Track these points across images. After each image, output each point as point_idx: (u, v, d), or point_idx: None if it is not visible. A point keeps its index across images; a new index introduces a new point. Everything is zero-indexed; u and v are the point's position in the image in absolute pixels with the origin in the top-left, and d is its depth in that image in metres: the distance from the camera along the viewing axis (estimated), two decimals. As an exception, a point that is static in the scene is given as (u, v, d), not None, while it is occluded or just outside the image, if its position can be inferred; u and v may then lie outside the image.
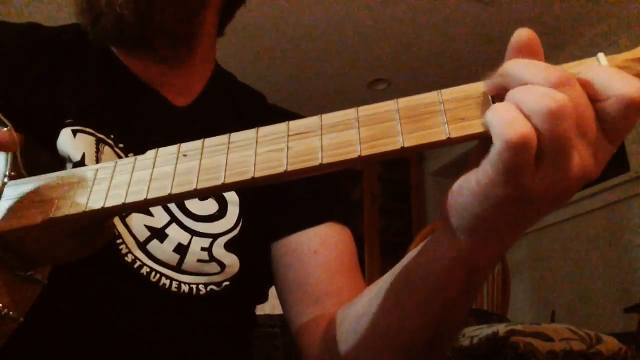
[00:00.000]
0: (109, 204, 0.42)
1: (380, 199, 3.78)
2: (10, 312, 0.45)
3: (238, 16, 0.80)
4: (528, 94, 0.33)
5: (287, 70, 3.40)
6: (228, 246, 0.64)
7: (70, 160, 0.61)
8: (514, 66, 0.35)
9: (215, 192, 0.41)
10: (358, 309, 0.54)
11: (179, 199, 0.42)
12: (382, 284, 0.51)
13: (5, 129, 0.48)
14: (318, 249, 0.66)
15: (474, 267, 0.42)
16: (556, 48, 2.85)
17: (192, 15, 0.69)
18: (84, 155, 0.62)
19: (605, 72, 0.34)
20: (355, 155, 0.37)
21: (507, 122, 0.32)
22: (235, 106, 0.76)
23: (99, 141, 0.64)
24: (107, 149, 0.64)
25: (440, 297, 0.44)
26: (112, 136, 0.65)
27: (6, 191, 0.47)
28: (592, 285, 2.83)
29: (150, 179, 0.42)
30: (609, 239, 2.83)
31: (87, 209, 0.43)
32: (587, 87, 0.34)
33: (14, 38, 0.71)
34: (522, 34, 0.36)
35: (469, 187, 0.36)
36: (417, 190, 4.00)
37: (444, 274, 0.43)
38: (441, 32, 3.03)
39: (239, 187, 0.40)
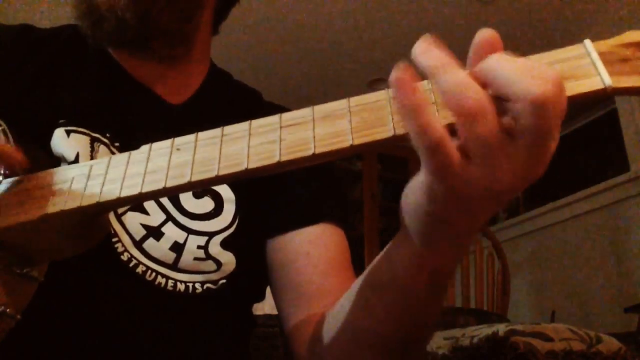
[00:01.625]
0: (104, 198, 0.43)
1: (380, 198, 3.77)
2: (7, 310, 0.45)
3: (238, 16, 0.81)
4: (449, 90, 0.33)
5: (286, 70, 3.40)
6: (224, 244, 0.64)
7: (65, 160, 0.62)
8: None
9: (210, 184, 0.41)
10: (337, 311, 0.55)
11: (174, 192, 0.42)
12: (355, 288, 0.52)
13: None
14: (311, 250, 0.66)
15: (435, 270, 0.42)
16: (555, 47, 2.84)
17: (190, 15, 0.69)
18: (78, 154, 0.61)
19: (509, 71, 0.33)
20: (347, 144, 0.37)
21: (418, 129, 0.33)
22: (231, 104, 0.76)
23: (93, 140, 0.64)
24: (102, 148, 0.64)
25: (407, 299, 0.45)
26: (107, 135, 0.65)
27: (1, 189, 0.47)
28: (592, 285, 2.82)
29: (145, 172, 0.42)
30: (609, 239, 2.83)
31: (82, 204, 0.43)
32: (491, 85, 0.34)
33: (7, 39, 0.71)
34: (485, 33, 0.35)
35: (417, 185, 0.37)
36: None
37: (407, 277, 0.44)
38: (441, 32, 3.02)
39: (233, 179, 0.40)
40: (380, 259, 0.48)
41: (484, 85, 0.34)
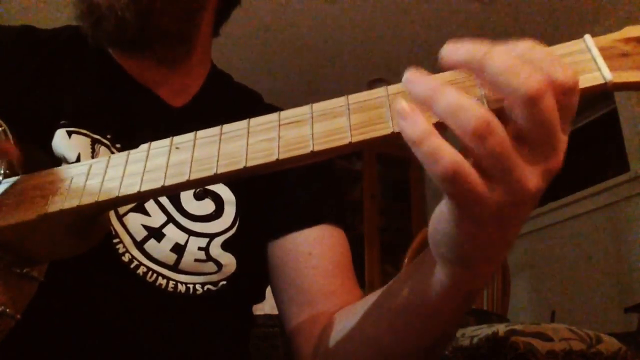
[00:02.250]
0: (103, 197, 0.43)
1: (380, 198, 3.77)
2: (7, 310, 0.45)
3: (237, 17, 0.80)
4: (448, 112, 0.32)
5: (286, 70, 3.40)
6: (225, 246, 0.64)
7: (66, 161, 0.62)
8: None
9: (209, 183, 0.41)
10: (353, 323, 0.55)
11: (173, 190, 0.42)
12: (376, 305, 0.51)
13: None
14: (312, 251, 0.66)
15: (470, 290, 0.42)
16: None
17: (191, 17, 0.69)
18: (79, 155, 0.62)
19: (500, 68, 0.32)
20: (346, 141, 0.37)
21: (430, 159, 0.32)
22: (231, 106, 0.76)
23: (94, 142, 0.64)
24: (103, 149, 0.64)
25: (436, 321, 0.45)
26: (108, 136, 0.65)
27: (1, 189, 0.47)
28: (592, 285, 2.82)
29: (144, 171, 0.42)
30: (609, 239, 2.82)
31: (81, 204, 0.43)
32: (484, 81, 0.33)
33: (8, 40, 0.71)
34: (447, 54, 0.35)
35: (442, 215, 0.36)
36: (417, 190, 4.00)
37: (440, 302, 0.43)
38: (441, 32, 3.03)
39: (232, 177, 0.40)
40: (406, 283, 0.46)
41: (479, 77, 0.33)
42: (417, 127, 0.32)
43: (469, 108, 0.32)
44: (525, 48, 0.34)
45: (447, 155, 0.32)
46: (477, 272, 0.39)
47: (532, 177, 0.33)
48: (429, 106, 0.33)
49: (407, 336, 0.47)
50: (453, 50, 0.34)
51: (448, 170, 0.32)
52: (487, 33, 3.02)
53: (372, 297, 0.53)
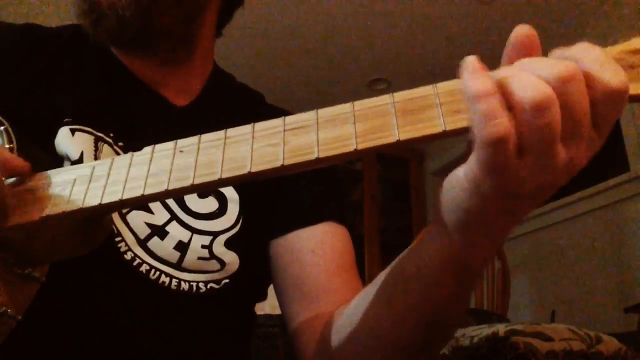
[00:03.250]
0: (106, 200, 0.43)
1: (380, 199, 3.78)
2: (9, 310, 0.45)
3: (238, 17, 0.80)
4: (514, 84, 0.33)
5: (286, 70, 3.40)
6: (228, 244, 0.64)
7: (69, 159, 0.62)
8: (521, 62, 0.35)
9: (213, 187, 0.41)
10: (352, 309, 0.55)
11: (177, 194, 0.42)
12: (375, 286, 0.51)
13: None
14: (315, 249, 0.66)
15: (466, 266, 0.42)
16: (555, 47, 2.84)
17: (192, 17, 0.69)
18: (82, 153, 0.62)
19: (591, 60, 0.34)
20: (351, 148, 0.37)
21: (484, 118, 0.32)
22: (234, 106, 0.76)
23: (97, 140, 0.64)
24: (106, 147, 0.64)
25: (432, 297, 0.44)
26: (111, 135, 0.65)
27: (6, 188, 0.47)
28: (592, 285, 2.82)
29: (147, 175, 0.42)
30: (609, 239, 2.82)
31: (84, 206, 0.43)
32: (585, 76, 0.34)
33: (11, 38, 0.71)
34: (522, 30, 0.36)
35: (458, 181, 0.36)
36: (417, 190, 4.00)
37: (435, 270, 0.43)
38: (441, 31, 3.03)
39: (236, 182, 0.40)
40: (407, 251, 0.47)
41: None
42: (482, 82, 0.33)
43: (536, 82, 0.33)
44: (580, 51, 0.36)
45: (503, 118, 0.32)
46: (477, 246, 0.40)
47: (558, 166, 0.34)
48: (508, 82, 0.34)
49: (407, 315, 0.46)
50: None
51: (498, 133, 0.32)
52: (487, 33, 3.02)
53: (369, 287, 0.53)
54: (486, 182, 0.34)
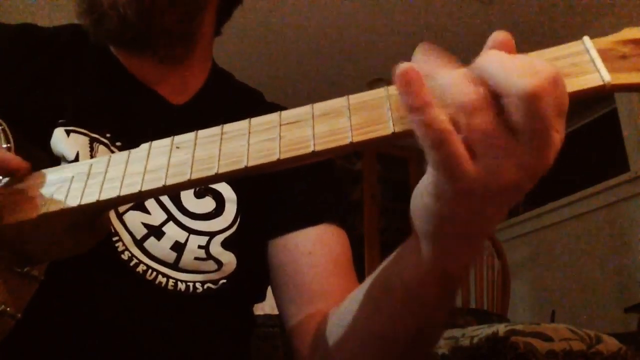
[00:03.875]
0: (104, 197, 0.43)
1: (380, 198, 3.78)
2: (8, 309, 0.45)
3: (238, 16, 0.81)
4: (447, 88, 0.33)
5: (286, 70, 3.40)
6: (225, 244, 0.64)
7: (65, 160, 0.62)
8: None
9: (210, 182, 0.41)
10: (342, 312, 0.55)
11: (174, 190, 0.42)
12: (363, 290, 0.51)
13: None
14: (313, 250, 0.66)
15: (446, 273, 0.42)
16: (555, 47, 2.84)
17: (191, 16, 0.69)
18: (77, 154, 0.62)
19: (500, 68, 0.33)
20: (347, 141, 0.37)
21: (421, 126, 0.33)
22: (233, 104, 0.76)
23: (92, 141, 0.64)
24: (102, 148, 0.64)
25: (416, 303, 0.45)
26: (108, 135, 0.65)
27: (1, 188, 0.47)
28: (592, 285, 2.82)
29: (145, 171, 0.42)
30: (609, 239, 2.83)
31: (81, 203, 0.43)
32: (486, 84, 0.33)
33: (8, 38, 0.71)
34: (499, 36, 0.36)
35: (425, 187, 0.37)
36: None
37: (418, 282, 0.43)
38: (441, 31, 3.03)
39: (233, 177, 0.40)
40: (389, 262, 0.47)
41: (481, 83, 0.34)
42: (418, 92, 0.33)
43: (466, 84, 0.33)
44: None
45: (442, 120, 0.33)
46: (454, 251, 0.40)
47: (513, 169, 0.33)
48: (432, 78, 0.34)
49: (394, 320, 0.47)
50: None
51: (438, 134, 0.32)
52: (487, 33, 3.02)
53: (360, 288, 0.53)
54: (443, 182, 0.35)
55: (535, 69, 0.32)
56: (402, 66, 0.34)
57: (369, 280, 0.51)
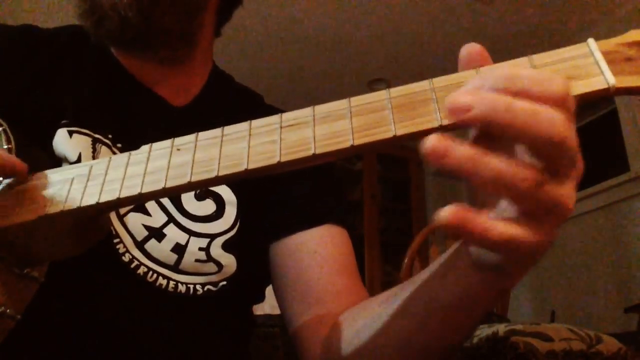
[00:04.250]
0: (104, 199, 0.43)
1: (380, 199, 3.78)
2: (8, 310, 0.45)
3: (238, 17, 0.80)
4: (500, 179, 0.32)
5: (286, 70, 3.40)
6: (226, 246, 0.64)
7: (67, 161, 0.62)
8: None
9: (210, 185, 0.41)
10: (370, 322, 0.53)
11: (174, 192, 0.42)
12: (400, 302, 0.50)
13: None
14: (317, 250, 0.66)
15: (503, 289, 0.42)
16: (556, 47, 2.84)
17: (192, 17, 0.69)
18: (80, 155, 0.62)
19: (527, 79, 0.32)
20: (348, 144, 0.37)
21: (482, 234, 0.32)
22: (232, 107, 0.76)
23: (95, 141, 0.64)
24: (104, 148, 0.64)
25: (469, 317, 0.45)
26: (109, 136, 0.65)
27: (1, 189, 0.47)
28: (592, 285, 2.82)
29: (145, 173, 0.42)
30: (609, 239, 2.83)
31: (82, 205, 0.43)
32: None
33: (9, 39, 0.71)
34: (470, 47, 0.36)
35: (479, 276, 0.38)
36: (417, 190, 4.00)
37: (475, 298, 0.43)
38: (441, 31, 3.03)
39: (233, 179, 0.40)
40: (436, 276, 0.46)
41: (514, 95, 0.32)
42: (470, 224, 0.32)
43: (519, 171, 0.31)
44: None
45: (498, 229, 0.32)
46: (513, 277, 0.40)
47: (568, 196, 0.34)
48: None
49: (441, 334, 0.47)
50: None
51: (500, 243, 0.32)
52: (487, 33, 3.02)
53: (390, 301, 0.52)
54: (509, 266, 0.36)
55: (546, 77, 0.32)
56: (449, 208, 0.32)
57: (405, 295, 0.49)
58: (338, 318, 0.59)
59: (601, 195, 2.87)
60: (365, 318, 0.55)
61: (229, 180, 0.40)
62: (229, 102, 0.76)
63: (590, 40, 0.36)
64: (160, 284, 0.61)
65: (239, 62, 2.97)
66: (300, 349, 0.65)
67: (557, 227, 0.35)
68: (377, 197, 3.76)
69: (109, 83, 0.69)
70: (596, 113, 3.20)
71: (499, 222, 0.32)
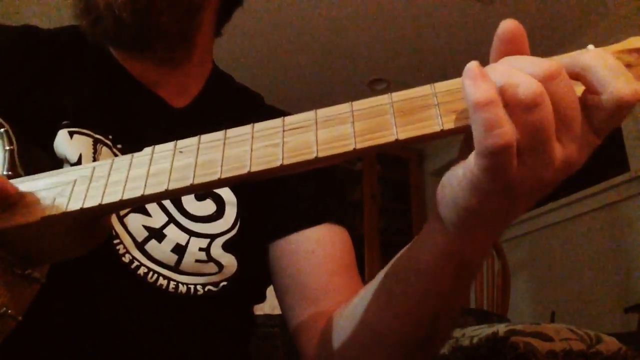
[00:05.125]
0: (106, 200, 0.43)
1: (380, 199, 3.77)
2: (9, 311, 0.45)
3: (237, 17, 0.80)
4: (507, 82, 0.33)
5: (287, 70, 3.40)
6: (226, 247, 0.64)
7: (68, 161, 0.62)
8: (506, 59, 0.36)
9: (212, 188, 0.41)
10: (352, 308, 0.55)
11: (176, 194, 0.42)
12: (375, 283, 0.51)
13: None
14: (316, 249, 0.66)
15: (464, 260, 0.42)
16: (556, 47, 2.85)
17: (190, 17, 0.69)
18: (80, 156, 0.62)
19: (605, 67, 0.34)
20: (350, 148, 0.37)
21: (487, 127, 0.33)
22: (233, 107, 0.76)
23: (96, 142, 0.64)
24: (105, 149, 0.64)
25: (432, 291, 0.45)
26: (110, 137, 0.65)
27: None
28: (592, 285, 2.82)
29: (147, 175, 0.42)
30: (609, 239, 2.82)
31: (84, 207, 0.43)
32: (583, 78, 0.35)
33: (10, 40, 0.71)
34: (508, 25, 0.36)
35: (457, 179, 0.37)
36: (417, 190, 4.00)
37: (434, 266, 0.43)
38: (441, 32, 3.03)
39: (236, 182, 0.40)
40: (407, 248, 0.47)
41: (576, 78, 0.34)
42: (484, 90, 0.33)
43: (526, 79, 0.33)
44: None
45: (507, 127, 0.32)
46: (475, 241, 0.40)
47: (556, 165, 0.34)
48: (491, 75, 0.34)
49: (408, 310, 0.47)
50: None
51: (502, 142, 0.32)
52: (487, 33, 3.02)
53: (369, 285, 0.53)
54: (485, 183, 0.35)
55: (625, 74, 0.33)
56: (470, 63, 0.34)
57: (381, 274, 0.50)
58: (332, 315, 0.60)
59: (601, 195, 2.87)
60: (345, 314, 0.56)
61: (232, 182, 0.40)
62: (229, 102, 0.76)
63: (591, 47, 0.37)
64: (161, 285, 0.61)
65: (238, 61, 2.97)
66: (299, 348, 0.65)
67: (533, 183, 0.35)
68: (377, 197, 3.76)
69: (109, 84, 0.69)
70: (596, 113, 3.20)
71: (509, 121, 0.33)
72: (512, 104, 0.33)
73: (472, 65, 0.34)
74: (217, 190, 0.66)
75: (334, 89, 3.51)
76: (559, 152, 0.34)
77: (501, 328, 1.22)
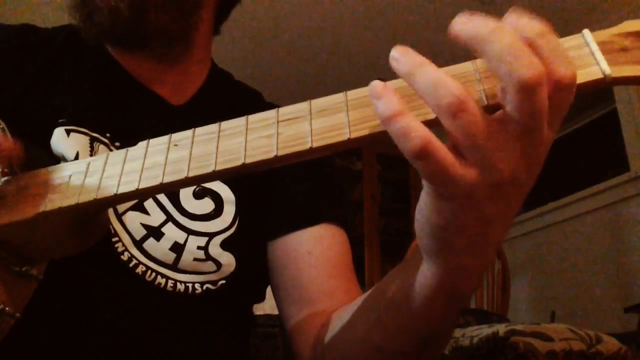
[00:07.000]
0: (101, 195, 0.42)
1: (380, 199, 3.77)
2: (7, 308, 0.45)
3: (238, 16, 0.80)
4: (427, 90, 0.33)
5: (286, 70, 3.40)
6: (224, 245, 0.64)
7: (65, 160, 0.62)
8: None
9: (207, 180, 0.41)
10: (345, 319, 0.54)
11: (171, 188, 0.42)
12: (367, 300, 0.51)
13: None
14: (312, 250, 0.66)
15: (456, 291, 0.40)
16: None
17: (188, 15, 0.69)
18: (77, 154, 0.61)
19: (496, 51, 0.32)
20: (344, 137, 0.37)
21: (400, 136, 0.32)
22: (232, 105, 0.75)
23: (93, 140, 0.63)
24: (102, 147, 0.64)
25: (423, 321, 0.44)
26: (107, 135, 0.65)
27: None
28: (592, 285, 2.82)
29: (142, 169, 0.42)
30: (609, 239, 2.82)
31: (79, 201, 0.43)
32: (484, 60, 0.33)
33: (7, 39, 0.71)
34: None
35: (425, 203, 0.36)
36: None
37: (425, 300, 0.42)
38: (441, 32, 3.03)
39: (231, 174, 0.40)
40: (394, 276, 0.46)
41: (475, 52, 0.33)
42: (389, 105, 0.33)
43: (445, 84, 0.32)
44: (535, 33, 0.33)
45: (417, 131, 0.32)
46: (460, 266, 0.38)
47: (506, 162, 0.33)
48: (410, 83, 0.34)
49: (398, 334, 0.46)
50: (462, 24, 0.34)
51: (417, 145, 0.32)
52: (487, 33, 3.02)
53: (364, 296, 0.53)
54: (438, 194, 0.34)
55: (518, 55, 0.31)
56: (372, 83, 0.34)
57: (372, 296, 0.50)
58: (328, 318, 0.60)
59: (601, 195, 2.87)
60: (340, 321, 0.56)
61: (227, 174, 0.40)
62: (228, 100, 0.76)
63: (586, 31, 0.36)
64: (159, 283, 0.60)
65: (237, 60, 2.97)
66: (293, 349, 0.65)
67: (486, 189, 0.33)
68: (377, 197, 3.75)
69: (107, 82, 0.69)
70: (596, 113, 3.20)
71: (420, 125, 0.32)
72: (436, 112, 0.33)
73: (374, 84, 0.34)
74: (216, 189, 0.66)
75: (334, 89, 3.49)
76: (499, 152, 0.32)
77: (501, 328, 1.21)
